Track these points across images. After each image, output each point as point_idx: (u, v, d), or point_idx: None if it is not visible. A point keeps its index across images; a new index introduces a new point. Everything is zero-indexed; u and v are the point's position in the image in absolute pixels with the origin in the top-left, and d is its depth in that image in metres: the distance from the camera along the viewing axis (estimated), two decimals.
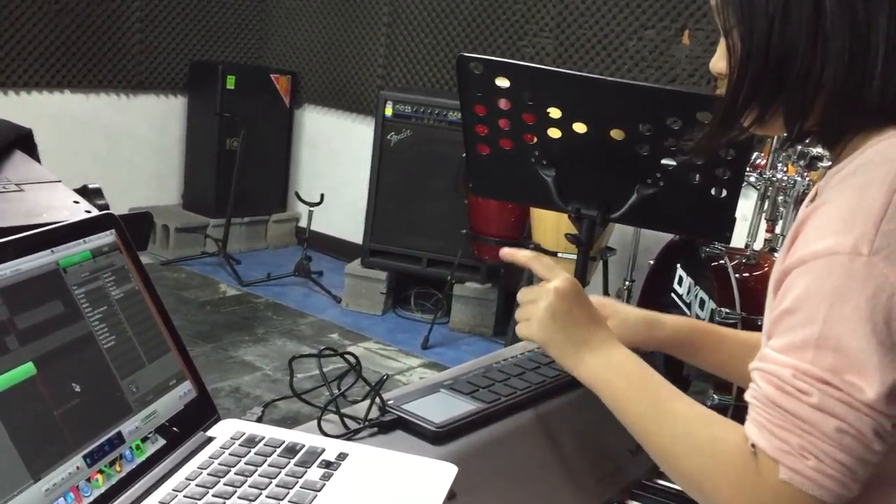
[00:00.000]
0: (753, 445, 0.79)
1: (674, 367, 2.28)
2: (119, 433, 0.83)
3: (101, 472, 0.79)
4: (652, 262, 2.97)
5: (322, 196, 4.42)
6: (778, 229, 2.81)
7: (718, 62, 0.91)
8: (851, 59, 0.82)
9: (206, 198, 4.82)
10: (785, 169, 2.73)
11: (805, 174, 2.66)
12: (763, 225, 2.84)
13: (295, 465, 0.88)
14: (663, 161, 1.88)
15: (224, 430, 0.94)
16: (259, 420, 1.12)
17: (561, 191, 1.98)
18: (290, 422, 2.73)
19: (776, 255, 2.65)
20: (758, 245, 2.79)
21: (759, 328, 0.96)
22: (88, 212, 1.18)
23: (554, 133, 1.93)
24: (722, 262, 2.57)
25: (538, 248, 3.53)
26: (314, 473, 0.86)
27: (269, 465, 0.87)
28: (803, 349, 0.76)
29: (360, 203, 4.29)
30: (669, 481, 1.09)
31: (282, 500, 0.82)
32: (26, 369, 0.76)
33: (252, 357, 3.54)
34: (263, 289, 4.34)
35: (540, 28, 4.14)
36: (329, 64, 4.92)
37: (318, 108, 5.06)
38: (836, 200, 0.80)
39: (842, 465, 0.75)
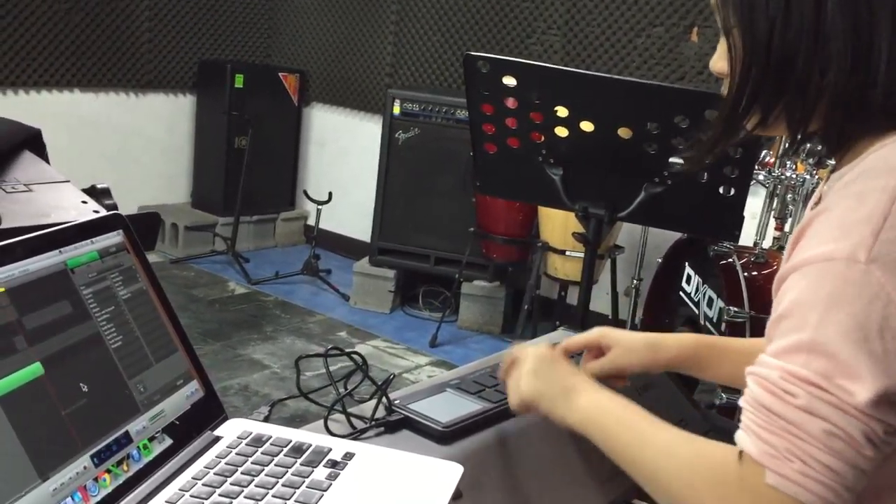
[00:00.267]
0: (741, 452, 0.78)
1: None
2: (126, 433, 0.84)
3: (108, 471, 0.80)
4: (660, 260, 2.96)
5: (330, 194, 4.43)
6: (787, 227, 2.80)
7: (718, 62, 0.90)
8: (854, 61, 0.80)
9: (214, 196, 4.83)
10: (794, 167, 2.72)
11: (814, 172, 2.66)
12: (772, 223, 2.84)
13: (301, 464, 0.88)
14: (671, 159, 1.88)
15: (231, 430, 0.95)
16: (266, 419, 1.13)
17: (568, 189, 1.97)
18: (298, 420, 2.74)
19: (784, 263, 2.64)
20: (767, 243, 2.79)
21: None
22: (97, 212, 1.18)
23: (561, 132, 1.93)
24: (730, 260, 2.57)
25: (546, 247, 3.53)
26: (321, 473, 0.87)
27: (276, 465, 0.87)
28: (795, 353, 0.76)
29: (369, 201, 4.29)
30: None
31: (288, 499, 0.82)
32: (34, 369, 0.76)
33: (260, 355, 3.55)
34: (272, 287, 4.35)
35: (548, 26, 4.13)
36: (337, 62, 4.93)
37: (327, 106, 5.07)
38: (837, 207, 0.79)
39: (829, 468, 0.73)
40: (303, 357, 1.06)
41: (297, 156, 5.12)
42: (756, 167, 2.71)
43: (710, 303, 2.64)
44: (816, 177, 2.65)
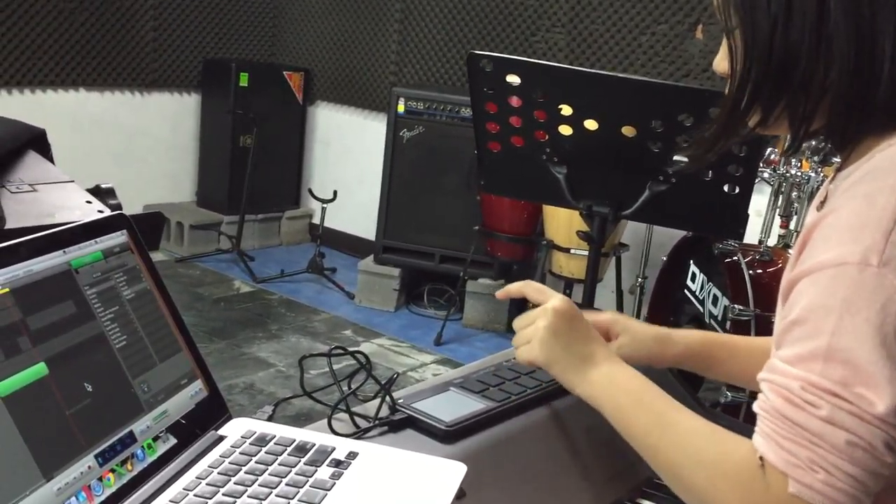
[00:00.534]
0: (762, 458, 0.78)
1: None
2: (130, 432, 0.84)
3: (112, 471, 0.80)
4: (665, 258, 2.96)
5: (335, 193, 4.43)
6: (792, 225, 2.79)
7: (721, 62, 0.89)
8: (857, 61, 0.80)
9: (219, 195, 4.84)
10: (799, 164, 2.71)
11: (819, 169, 2.65)
12: (777, 221, 2.83)
13: (305, 464, 0.88)
14: (675, 157, 1.87)
15: (235, 429, 0.95)
16: (270, 418, 1.13)
17: (572, 188, 1.97)
18: (303, 418, 2.74)
19: (790, 251, 2.64)
20: (772, 241, 2.78)
21: (772, 325, 0.95)
22: (101, 212, 1.19)
23: (565, 130, 1.93)
24: (735, 258, 2.56)
25: (551, 245, 3.53)
26: (324, 472, 0.87)
27: (280, 464, 0.88)
28: (812, 361, 0.75)
29: (373, 200, 4.29)
30: None
31: (292, 499, 0.82)
32: (38, 369, 0.77)
33: (266, 353, 3.55)
34: (277, 285, 4.36)
35: (552, 23, 4.13)
36: (342, 61, 4.93)
37: (331, 104, 5.07)
38: (845, 209, 0.78)
39: (852, 478, 0.73)
40: (306, 357, 1.07)
41: (301, 154, 5.12)
42: (761, 165, 2.71)
43: (714, 301, 2.64)
44: (821, 174, 2.64)
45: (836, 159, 2.53)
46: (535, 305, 1.04)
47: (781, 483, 0.76)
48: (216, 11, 4.89)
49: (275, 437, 0.92)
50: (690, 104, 1.83)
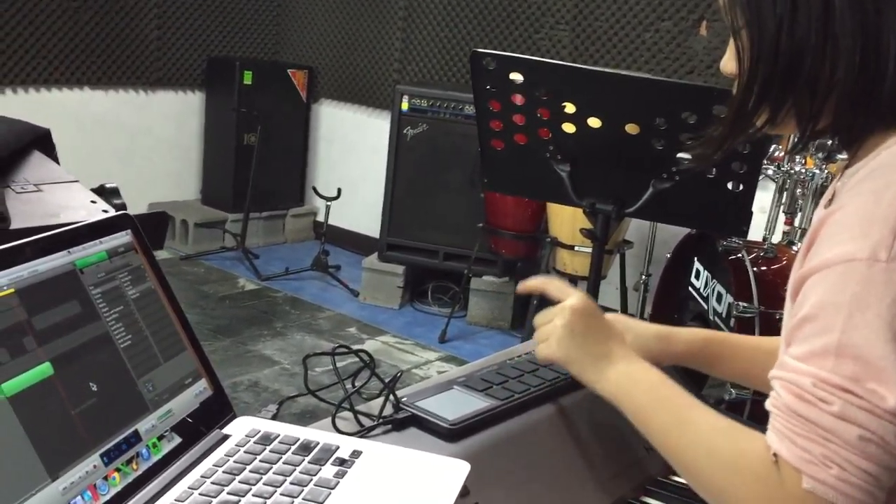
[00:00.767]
0: (775, 455, 0.78)
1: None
2: (136, 431, 0.84)
3: (117, 470, 0.81)
4: (669, 255, 2.96)
5: (339, 191, 4.44)
6: (796, 222, 2.79)
7: (728, 63, 0.90)
8: (863, 58, 0.80)
9: (224, 193, 4.84)
10: (803, 161, 2.71)
11: (824, 166, 2.65)
12: (781, 218, 2.83)
13: (309, 462, 0.88)
14: (679, 155, 1.87)
15: (239, 428, 0.95)
16: (274, 417, 1.13)
17: (576, 186, 1.97)
18: (308, 416, 2.75)
19: (794, 248, 2.64)
20: (776, 238, 2.78)
21: (777, 322, 0.96)
22: (105, 211, 1.19)
23: (569, 128, 1.93)
24: (739, 255, 2.56)
25: (555, 242, 3.53)
26: (328, 471, 0.87)
27: (284, 463, 0.88)
28: (823, 357, 0.76)
29: (377, 197, 4.30)
30: None
31: (296, 497, 0.83)
32: (44, 369, 0.77)
33: (271, 351, 3.56)
34: (282, 283, 4.37)
35: (556, 21, 4.13)
36: (345, 58, 4.93)
37: (335, 102, 5.07)
38: (852, 205, 0.79)
39: (866, 473, 0.74)
40: (310, 356, 1.07)
41: (305, 152, 5.13)
42: (765, 162, 2.71)
43: (719, 298, 2.64)
44: (826, 171, 2.63)
45: (841, 156, 2.54)
46: (554, 303, 1.05)
47: (796, 479, 0.76)
48: (220, 10, 4.89)
49: (279, 435, 0.93)
50: (694, 102, 1.83)
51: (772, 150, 2.77)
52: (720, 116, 0.93)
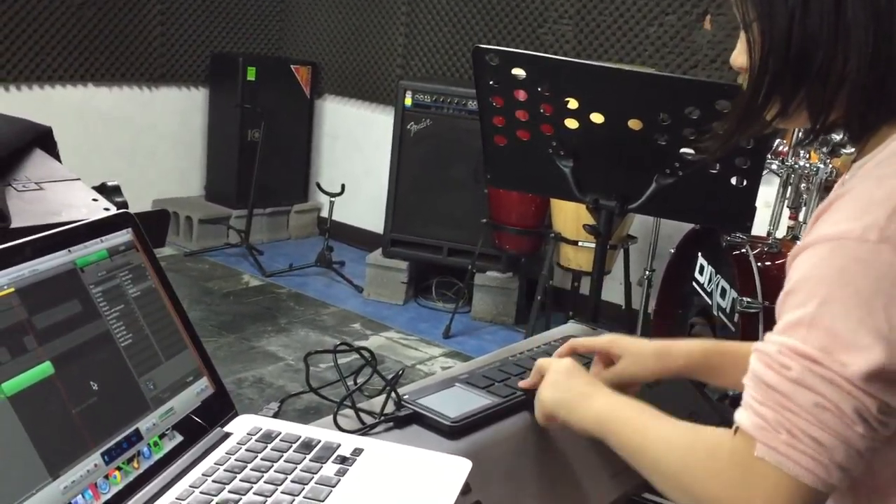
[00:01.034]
0: (737, 428, 0.79)
1: None
2: (136, 430, 0.84)
3: (118, 469, 0.81)
4: (673, 250, 2.95)
5: (343, 186, 4.44)
6: (801, 217, 2.78)
7: (739, 57, 0.89)
8: (875, 50, 0.80)
9: (228, 189, 4.85)
10: (807, 156, 2.70)
11: (828, 161, 2.64)
12: (786, 212, 2.82)
13: (311, 460, 0.88)
14: (682, 150, 1.87)
15: (241, 426, 0.95)
16: (276, 414, 1.13)
17: (579, 182, 1.97)
18: (312, 412, 2.75)
19: (798, 243, 2.63)
20: (780, 233, 2.77)
21: None
22: (107, 209, 1.19)
23: (571, 124, 1.92)
24: (743, 250, 2.55)
25: (559, 237, 3.53)
26: (329, 469, 0.87)
27: (285, 461, 0.88)
28: (797, 328, 0.76)
29: (381, 193, 4.29)
30: None
31: (297, 495, 0.83)
32: (44, 369, 0.77)
33: (275, 347, 3.56)
34: (286, 279, 4.37)
35: (559, 15, 4.12)
36: (349, 54, 4.93)
37: (339, 98, 5.07)
38: (855, 190, 0.79)
39: (816, 441, 0.74)
40: (311, 353, 1.07)
41: (309, 148, 5.13)
42: (769, 156, 2.70)
43: (723, 293, 2.63)
44: (830, 166, 2.63)
45: (846, 151, 2.53)
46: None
47: (748, 447, 0.77)
48: (223, 6, 4.89)
49: (280, 433, 0.93)
50: (697, 97, 1.82)
51: (776, 144, 2.76)
52: (727, 111, 0.93)
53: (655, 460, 0.87)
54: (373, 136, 4.85)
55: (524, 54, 1.95)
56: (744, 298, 2.43)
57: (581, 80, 1.89)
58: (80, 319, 0.83)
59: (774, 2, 0.83)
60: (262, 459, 0.88)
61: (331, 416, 1.01)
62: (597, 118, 1.89)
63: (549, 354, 1.20)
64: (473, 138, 3.69)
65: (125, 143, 4.61)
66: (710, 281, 2.75)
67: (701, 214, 2.13)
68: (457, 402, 1.05)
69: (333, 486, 0.85)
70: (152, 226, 1.01)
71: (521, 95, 1.94)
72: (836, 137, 2.53)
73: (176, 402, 0.91)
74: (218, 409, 0.96)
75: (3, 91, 4.10)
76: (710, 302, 2.72)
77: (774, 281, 2.45)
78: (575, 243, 3.49)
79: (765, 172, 2.18)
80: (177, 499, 0.82)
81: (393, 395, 1.04)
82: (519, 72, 1.90)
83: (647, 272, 3.46)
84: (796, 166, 2.72)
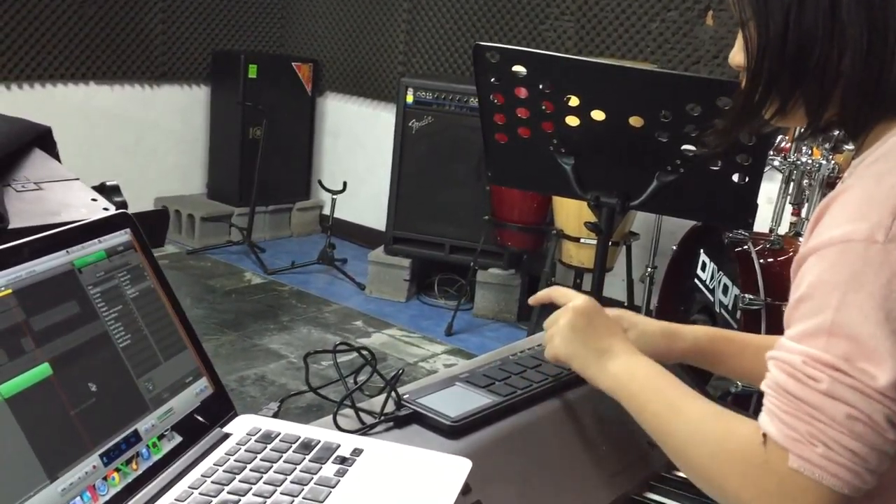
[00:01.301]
0: (765, 435, 0.78)
1: None
2: (135, 431, 0.84)
3: (117, 470, 0.80)
4: (675, 247, 2.95)
5: (345, 184, 4.44)
6: (803, 213, 2.78)
7: (737, 55, 0.90)
8: (870, 46, 0.81)
9: (230, 187, 4.85)
10: (810, 152, 2.69)
11: (830, 157, 2.63)
12: (788, 209, 2.81)
13: (310, 461, 0.88)
14: (683, 147, 1.86)
15: (240, 426, 0.95)
16: (276, 414, 1.13)
17: (580, 179, 1.97)
18: (313, 410, 2.75)
19: (801, 239, 2.62)
20: (783, 229, 2.77)
21: (783, 314, 0.95)
22: (106, 209, 1.19)
23: (572, 121, 1.92)
24: (746, 247, 2.55)
25: (561, 234, 3.52)
26: (329, 469, 0.87)
27: (285, 462, 0.88)
28: (816, 336, 0.76)
29: (383, 190, 4.29)
30: None
31: (297, 496, 0.83)
32: (42, 370, 0.77)
33: (277, 345, 3.56)
34: (288, 277, 4.37)
35: (561, 11, 4.11)
36: (350, 51, 4.93)
37: (340, 95, 5.07)
38: (855, 188, 0.79)
39: (852, 452, 0.74)
40: (311, 353, 1.07)
41: (311, 145, 5.13)
42: (772, 153, 2.69)
43: (725, 290, 2.63)
44: (832, 162, 2.62)
45: (848, 147, 2.52)
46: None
47: (782, 458, 0.77)
48: (224, 3, 4.89)
49: (280, 434, 0.93)
50: (698, 94, 1.82)
51: (778, 140, 2.75)
52: (726, 108, 0.94)
53: (682, 445, 0.87)
54: (374, 134, 4.85)
55: (524, 51, 1.94)
56: (746, 295, 2.43)
57: (582, 77, 1.89)
58: (79, 320, 0.83)
59: (770, 0, 0.83)
60: (261, 460, 0.88)
61: (331, 416, 1.01)
62: (598, 115, 1.88)
63: None
64: (475, 135, 3.68)
65: (127, 141, 4.61)
66: (712, 278, 2.75)
67: (702, 211, 2.12)
68: (457, 402, 1.04)
69: (333, 487, 0.84)
70: (151, 225, 1.01)
71: (522, 93, 1.93)
72: (839, 133, 2.53)
73: (175, 403, 0.91)
74: (217, 410, 0.96)
75: (4, 90, 4.10)
76: (712, 299, 2.72)
77: (777, 278, 2.45)
78: (577, 240, 3.49)
79: (767, 169, 2.18)
80: (176, 500, 0.82)
81: (393, 394, 1.03)
82: (520, 69, 1.90)
83: (649, 269, 3.46)
84: (799, 162, 2.71)
